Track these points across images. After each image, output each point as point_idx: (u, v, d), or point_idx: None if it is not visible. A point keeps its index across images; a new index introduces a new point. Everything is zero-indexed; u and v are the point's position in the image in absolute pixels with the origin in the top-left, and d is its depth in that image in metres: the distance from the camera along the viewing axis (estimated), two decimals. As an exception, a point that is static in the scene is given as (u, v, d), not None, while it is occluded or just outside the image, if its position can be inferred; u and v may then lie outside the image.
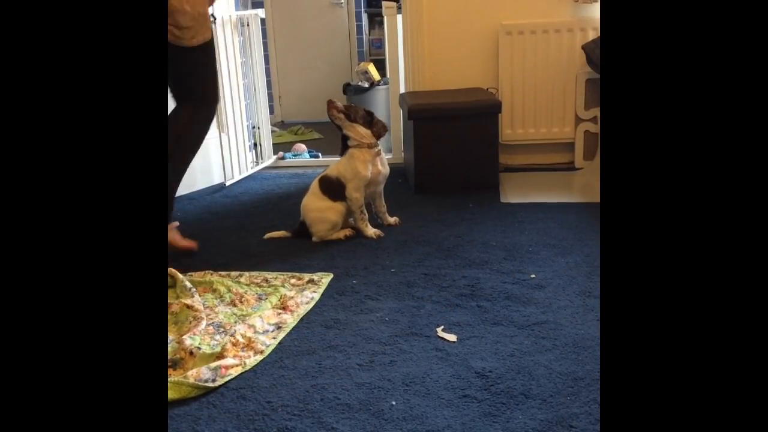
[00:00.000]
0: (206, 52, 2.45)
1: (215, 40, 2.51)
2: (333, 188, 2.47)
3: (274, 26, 5.57)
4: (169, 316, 1.84)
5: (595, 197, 2.83)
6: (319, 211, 2.46)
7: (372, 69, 4.71)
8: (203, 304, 1.91)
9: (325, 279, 2.08)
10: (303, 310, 1.87)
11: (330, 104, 2.47)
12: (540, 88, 3.34)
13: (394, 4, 3.59)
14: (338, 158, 2.56)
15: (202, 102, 2.46)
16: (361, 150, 2.45)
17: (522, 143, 3.43)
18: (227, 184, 3.43)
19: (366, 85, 4.60)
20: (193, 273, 2.16)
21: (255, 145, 3.79)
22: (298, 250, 2.38)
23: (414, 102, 3.03)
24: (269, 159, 3.84)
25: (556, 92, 3.33)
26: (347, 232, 2.50)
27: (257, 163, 3.75)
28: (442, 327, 1.73)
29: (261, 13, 3.72)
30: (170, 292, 2.01)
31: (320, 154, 4.04)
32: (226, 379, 1.53)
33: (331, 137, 4.25)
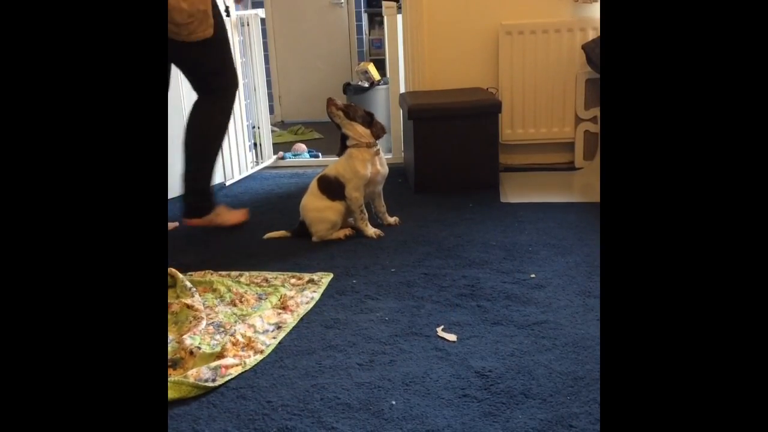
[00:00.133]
0: (209, 48, 2.49)
1: (227, 34, 2.59)
2: (331, 188, 2.46)
3: (274, 26, 5.57)
4: (169, 316, 1.84)
5: (595, 197, 2.83)
6: (318, 211, 2.46)
7: (372, 69, 4.70)
8: (203, 304, 1.91)
9: (325, 279, 2.08)
10: (303, 310, 1.87)
11: (329, 101, 2.48)
12: (540, 88, 3.34)
13: (394, 4, 3.59)
14: (337, 158, 2.57)
15: (218, 93, 2.57)
16: (360, 149, 2.45)
17: (522, 143, 3.43)
18: (227, 184, 3.43)
19: (366, 84, 4.60)
20: (193, 273, 2.16)
21: (255, 145, 3.79)
22: (298, 250, 2.38)
23: (414, 102, 3.03)
24: (269, 159, 3.84)
25: (556, 92, 3.33)
26: (347, 231, 2.49)
27: (257, 163, 3.75)
28: (442, 327, 1.73)
29: (261, 13, 3.72)
30: (170, 292, 2.01)
31: (320, 154, 4.04)
32: (226, 378, 1.53)
33: (331, 137, 4.25)
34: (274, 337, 1.72)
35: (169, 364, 1.58)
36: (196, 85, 2.62)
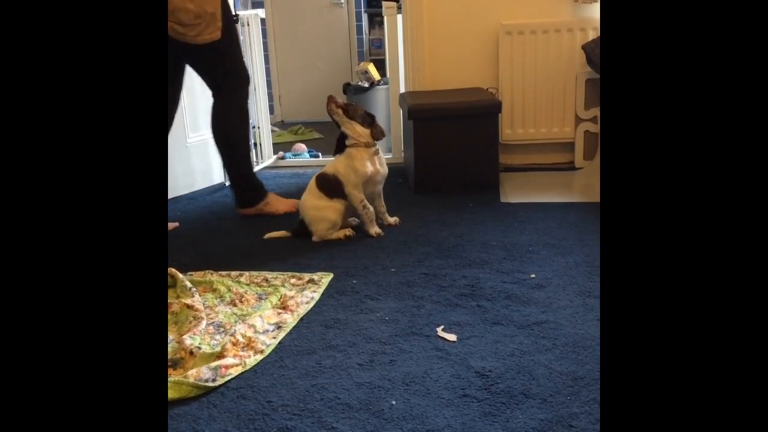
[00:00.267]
0: (218, 49, 2.53)
1: (237, 34, 2.67)
2: (330, 186, 2.46)
3: (274, 26, 5.57)
4: (169, 316, 1.84)
5: (595, 197, 2.83)
6: (318, 210, 2.46)
7: (372, 69, 4.70)
8: (203, 304, 1.91)
9: (325, 279, 2.08)
10: (303, 310, 1.87)
11: (330, 99, 2.48)
12: (540, 88, 3.34)
13: (394, 4, 3.59)
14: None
15: (229, 92, 2.67)
16: (359, 149, 2.45)
17: (522, 143, 3.43)
18: (227, 184, 3.43)
19: (366, 85, 4.60)
20: (193, 273, 2.16)
21: (255, 144, 3.78)
22: (298, 250, 2.38)
23: (414, 102, 3.03)
24: (269, 159, 3.84)
25: (556, 92, 3.33)
26: (347, 232, 2.49)
27: (257, 163, 3.75)
28: (442, 327, 1.73)
29: (261, 13, 3.72)
30: (170, 292, 2.01)
31: (320, 154, 4.04)
32: (226, 378, 1.53)
33: (331, 137, 4.24)
34: (274, 337, 1.72)
35: (169, 364, 1.58)
36: (209, 84, 2.70)
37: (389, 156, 3.65)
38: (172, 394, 1.45)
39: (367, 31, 5.76)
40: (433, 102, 3.02)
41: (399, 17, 3.54)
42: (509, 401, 1.39)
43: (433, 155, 3.01)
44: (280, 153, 3.97)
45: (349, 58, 5.70)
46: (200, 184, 3.36)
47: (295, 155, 4.04)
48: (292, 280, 2.08)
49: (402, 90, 3.57)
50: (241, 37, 3.49)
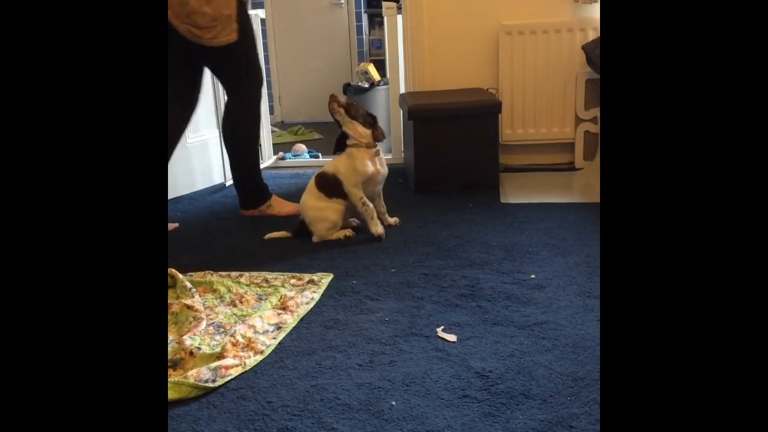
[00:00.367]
0: (234, 51, 2.57)
1: (253, 36, 2.69)
2: (329, 185, 2.46)
3: (274, 26, 5.57)
4: (169, 317, 1.84)
5: (595, 197, 2.83)
6: (318, 210, 2.45)
7: (372, 69, 4.70)
8: (203, 305, 1.91)
9: (325, 279, 2.08)
10: (303, 311, 1.87)
11: (332, 98, 2.48)
12: (540, 88, 3.34)
13: (394, 4, 3.59)
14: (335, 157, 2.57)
15: (243, 94, 2.71)
16: (359, 149, 2.45)
17: (522, 143, 3.43)
18: (227, 184, 3.43)
19: (366, 85, 4.60)
20: (193, 273, 2.16)
21: (256, 145, 3.79)
22: (298, 250, 2.38)
23: (414, 102, 3.03)
24: (269, 159, 3.84)
25: (556, 92, 3.33)
26: (347, 232, 2.49)
27: (257, 164, 3.75)
28: (442, 327, 1.73)
29: (261, 13, 3.72)
30: (170, 292, 2.01)
31: (320, 155, 4.04)
32: (226, 379, 1.53)
33: (331, 137, 4.24)
34: (274, 338, 1.72)
35: (169, 364, 1.58)
36: (225, 85, 2.74)
37: (389, 156, 3.65)
38: (172, 394, 1.45)
39: (367, 32, 5.76)
40: (433, 102, 3.02)
41: (399, 17, 3.54)
42: (509, 402, 1.39)
43: (433, 155, 3.01)
44: (280, 153, 3.97)
45: (349, 58, 5.71)
46: (200, 184, 3.36)
47: (295, 156, 4.04)
48: (292, 281, 2.08)
49: (402, 90, 3.57)
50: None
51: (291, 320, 1.81)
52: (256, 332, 1.73)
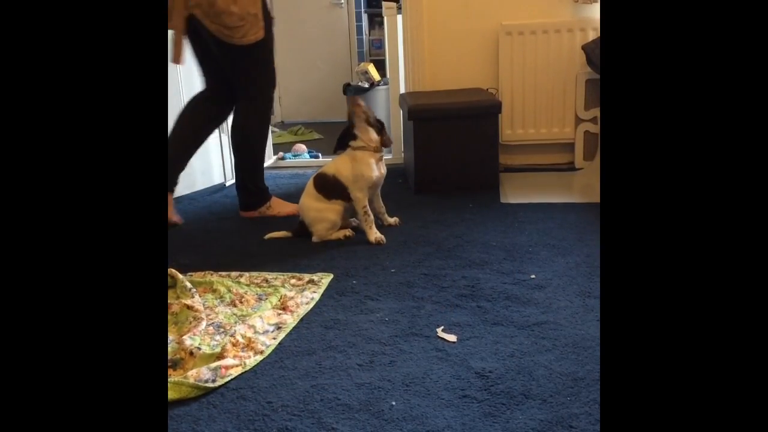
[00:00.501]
0: (259, 49, 2.62)
1: (273, 37, 2.71)
2: (329, 187, 2.45)
3: (274, 26, 5.57)
4: (169, 317, 1.84)
5: (595, 197, 2.83)
6: (317, 211, 2.45)
7: (372, 69, 4.71)
8: (203, 305, 1.91)
9: (325, 279, 2.08)
10: (303, 311, 1.87)
11: (355, 101, 2.49)
12: (540, 88, 3.34)
13: (394, 4, 3.59)
14: (335, 156, 2.56)
15: (256, 96, 2.71)
16: (365, 153, 2.44)
17: (522, 143, 3.43)
18: (227, 184, 3.44)
19: (366, 85, 4.60)
20: (193, 273, 2.16)
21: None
22: (298, 250, 2.38)
23: (414, 102, 3.03)
24: (269, 159, 3.84)
25: (556, 92, 3.33)
26: (347, 232, 2.49)
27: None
28: (442, 327, 1.73)
29: (261, 13, 3.71)
30: (170, 293, 2.01)
31: (320, 155, 4.04)
32: (226, 379, 1.52)
33: (330, 137, 4.25)
34: (274, 338, 1.72)
35: (169, 364, 1.58)
36: (240, 84, 2.71)
37: (389, 156, 3.65)
38: (172, 394, 1.45)
39: (367, 32, 5.76)
40: (433, 102, 3.02)
41: (399, 17, 3.54)
42: (509, 402, 1.39)
43: (433, 155, 3.01)
44: (280, 153, 3.97)
45: (349, 58, 5.71)
46: (200, 184, 3.36)
47: (294, 156, 4.04)
48: (292, 281, 2.08)
49: (402, 90, 3.57)
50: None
51: (291, 320, 1.81)
52: (256, 332, 1.73)
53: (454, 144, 3.00)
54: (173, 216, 2.74)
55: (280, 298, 1.95)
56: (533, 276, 2.04)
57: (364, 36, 5.73)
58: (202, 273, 2.17)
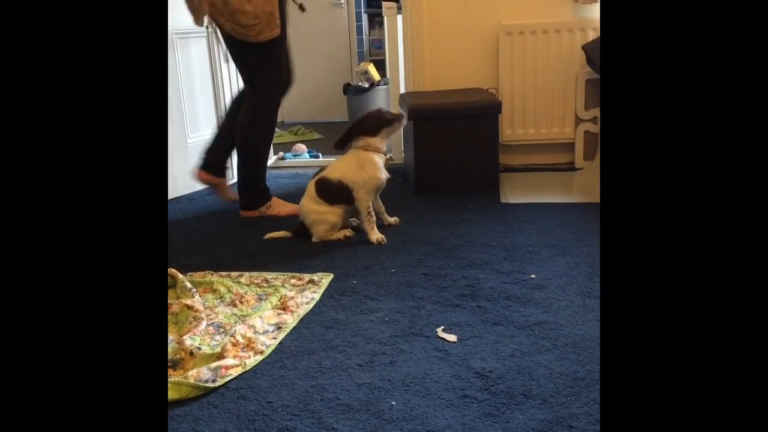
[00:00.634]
0: (274, 47, 2.64)
1: (286, 32, 2.73)
2: (333, 192, 2.43)
3: (274, 26, 5.56)
4: (169, 317, 1.84)
5: (595, 197, 2.83)
6: (318, 214, 2.45)
7: (372, 69, 4.71)
8: (203, 305, 1.91)
9: (325, 279, 2.08)
10: (303, 311, 1.87)
11: (401, 118, 2.55)
12: (540, 88, 3.34)
13: (394, 4, 3.59)
14: (337, 156, 2.56)
15: (267, 92, 2.73)
16: (375, 155, 2.45)
17: (522, 143, 3.43)
18: (227, 184, 3.43)
19: (366, 85, 4.60)
20: (193, 273, 2.16)
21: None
22: (298, 251, 2.38)
23: (414, 102, 3.03)
24: (269, 159, 3.84)
25: (556, 92, 3.33)
26: (347, 233, 2.49)
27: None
28: (442, 327, 1.73)
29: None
30: (170, 293, 2.01)
31: (320, 155, 4.04)
32: (226, 379, 1.53)
33: (331, 137, 4.25)
34: (274, 338, 1.72)
35: (169, 364, 1.58)
36: (253, 81, 2.72)
37: (389, 155, 3.65)
38: (172, 394, 1.45)
39: (367, 32, 5.76)
40: (433, 102, 3.02)
41: (399, 17, 3.54)
42: (509, 402, 1.39)
43: (433, 155, 3.01)
44: (280, 153, 3.97)
45: (349, 58, 5.70)
46: (200, 184, 3.36)
47: (295, 156, 4.04)
48: (292, 281, 2.08)
49: (402, 90, 3.57)
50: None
51: (291, 320, 1.81)
52: (256, 332, 1.73)
53: (454, 144, 3.00)
54: (232, 194, 2.92)
55: (280, 298, 1.95)
56: (533, 276, 2.04)
57: (364, 36, 5.72)
58: (202, 273, 2.17)
